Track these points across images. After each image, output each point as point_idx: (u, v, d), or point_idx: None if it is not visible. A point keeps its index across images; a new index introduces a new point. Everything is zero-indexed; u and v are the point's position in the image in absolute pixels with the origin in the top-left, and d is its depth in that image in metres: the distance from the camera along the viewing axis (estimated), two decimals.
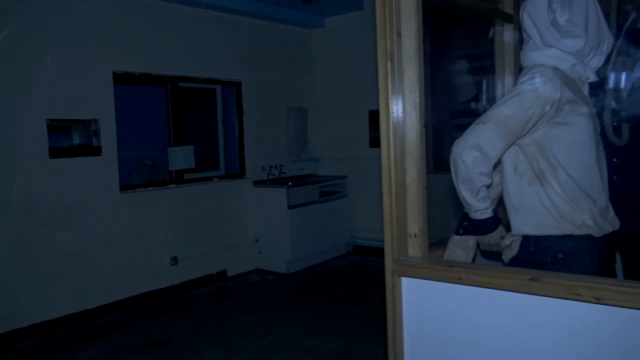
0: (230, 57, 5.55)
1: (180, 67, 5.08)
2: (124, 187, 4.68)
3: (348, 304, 4.55)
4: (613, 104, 2.45)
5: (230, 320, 4.28)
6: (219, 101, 5.77)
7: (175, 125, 5.13)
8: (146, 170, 5.56)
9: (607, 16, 1.99)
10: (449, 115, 4.97)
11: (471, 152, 1.67)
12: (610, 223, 1.76)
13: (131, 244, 4.69)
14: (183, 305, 4.71)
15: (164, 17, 4.94)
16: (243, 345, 3.77)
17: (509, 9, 2.41)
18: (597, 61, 1.73)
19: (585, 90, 1.76)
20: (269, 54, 5.97)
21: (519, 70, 2.06)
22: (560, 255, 1.70)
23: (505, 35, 2.50)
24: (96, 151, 4.42)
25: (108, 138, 4.49)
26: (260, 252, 5.77)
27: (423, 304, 1.79)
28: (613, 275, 2.89)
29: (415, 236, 1.84)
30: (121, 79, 4.65)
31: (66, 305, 4.25)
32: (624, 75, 2.67)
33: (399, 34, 1.76)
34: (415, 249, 1.84)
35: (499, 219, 1.83)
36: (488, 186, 1.76)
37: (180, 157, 5.11)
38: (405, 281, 1.82)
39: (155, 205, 4.89)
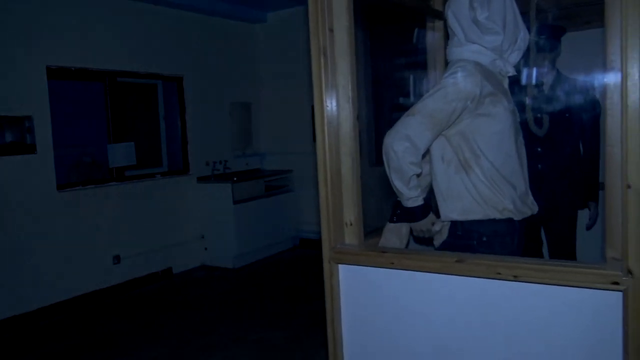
0: (172, 52, 5.47)
1: (118, 62, 4.97)
2: (61, 186, 4.53)
3: (294, 297, 4.62)
4: (534, 98, 2.61)
5: (177, 317, 4.25)
6: (161, 96, 5.68)
7: (115, 122, 5.02)
8: (85, 168, 5.41)
9: (526, 14, 2.13)
10: (389, 109, 5.11)
11: (401, 143, 1.76)
12: (530, 207, 1.89)
13: (71, 244, 4.56)
14: (127, 305, 4.64)
15: (100, 10, 4.81)
16: (191, 341, 3.76)
17: (438, 6, 2.53)
18: (515, 56, 1.86)
19: (505, 83, 1.88)
20: (212, 48, 5.92)
21: (446, 64, 2.16)
22: (484, 239, 1.82)
23: (436, 31, 2.62)
24: (30, 149, 4.27)
25: (43, 135, 4.34)
26: (206, 249, 5.74)
27: (359, 290, 1.87)
28: (538, 254, 3.09)
29: (351, 225, 1.92)
30: (56, 74, 4.50)
31: (3, 309, 4.09)
32: (544, 70, 2.85)
33: (331, 30, 1.82)
34: (351, 237, 1.92)
35: (430, 206, 1.93)
36: (418, 175, 1.85)
37: (121, 153, 5.00)
38: (342, 268, 1.89)
39: (96, 203, 4.77)
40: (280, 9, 6.21)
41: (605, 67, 1.38)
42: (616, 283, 1.39)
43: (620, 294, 1.40)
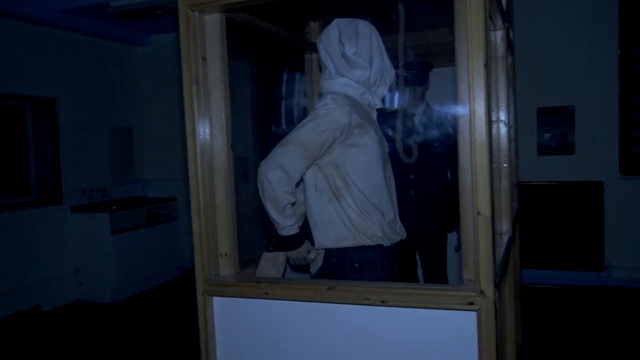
0: (43, 73, 5.10)
1: None
2: None
3: (175, 330, 4.42)
4: (405, 129, 2.77)
5: None
6: (29, 120, 5.25)
7: None
8: None
9: (395, 51, 2.26)
10: (273, 137, 5.16)
11: (275, 173, 1.77)
12: (398, 233, 1.98)
13: None
14: None
15: None
16: None
17: (315, 38, 2.61)
18: (382, 90, 1.96)
19: (374, 115, 1.97)
20: (90, 70, 5.61)
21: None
22: (356, 265, 1.87)
23: (314, 62, 2.70)
24: None
25: None
26: (81, 283, 5.33)
27: (234, 322, 1.83)
28: (414, 276, 3.25)
29: (226, 255, 1.88)
30: None
31: None
32: (414, 103, 3.04)
33: (204, 58, 1.80)
34: (226, 268, 1.88)
35: (305, 234, 1.95)
36: (293, 204, 1.87)
37: None
38: (216, 301, 1.84)
39: None
40: (164, 32, 6.07)
41: (456, 103, 1.50)
42: (471, 303, 1.49)
43: (475, 313, 1.49)
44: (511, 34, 2.80)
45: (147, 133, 6.33)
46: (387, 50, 2.05)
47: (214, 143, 1.84)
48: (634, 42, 4.53)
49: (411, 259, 3.23)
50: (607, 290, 4.59)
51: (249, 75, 5.35)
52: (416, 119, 2.99)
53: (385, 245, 1.89)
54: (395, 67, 2.05)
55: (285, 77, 4.43)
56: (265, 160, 1.80)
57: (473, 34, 1.41)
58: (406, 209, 3.02)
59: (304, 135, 1.77)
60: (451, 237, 3.29)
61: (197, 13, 1.75)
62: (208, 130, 1.83)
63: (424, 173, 2.99)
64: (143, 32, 6.07)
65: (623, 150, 4.55)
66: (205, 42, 1.80)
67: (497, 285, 1.62)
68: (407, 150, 2.66)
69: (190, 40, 1.76)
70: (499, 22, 2.18)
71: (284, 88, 4.46)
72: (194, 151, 1.81)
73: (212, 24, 1.78)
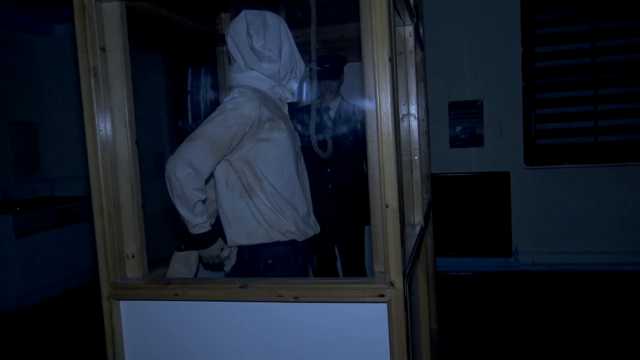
0: None
1: None
2: None
3: (86, 337, 4.19)
4: (319, 123, 2.77)
5: None
6: None
7: None
8: None
9: (307, 45, 2.24)
10: (189, 131, 5.03)
11: (184, 169, 1.70)
12: (312, 228, 1.98)
13: None
14: None
15: None
16: None
17: (225, 30, 2.54)
18: (293, 84, 1.94)
19: (285, 109, 1.95)
20: None
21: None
22: (270, 261, 1.85)
23: (225, 55, 2.63)
24: None
25: None
26: None
27: (144, 327, 1.75)
28: (333, 270, 3.28)
29: (133, 257, 1.79)
30: None
31: None
32: (328, 97, 3.05)
33: (103, 49, 1.70)
34: (133, 270, 1.79)
35: (218, 231, 1.90)
36: (204, 201, 1.81)
37: None
38: (123, 305, 1.75)
39: None
40: (69, 21, 5.71)
41: (365, 97, 1.51)
42: (382, 295, 1.51)
43: (385, 305, 1.52)
44: (421, 30, 2.87)
45: (54, 128, 5.94)
46: (300, 44, 2.03)
47: (117, 139, 1.74)
48: (535, 40, 4.82)
49: (330, 252, 3.25)
50: (514, 274, 4.87)
51: (163, 68, 5.16)
52: (331, 113, 3.00)
53: (299, 240, 1.88)
54: (308, 61, 2.04)
55: (199, 70, 4.31)
56: (172, 156, 1.73)
57: (377, 28, 1.41)
58: (323, 202, 3.05)
59: (212, 130, 1.72)
60: (368, 230, 3.34)
61: (93, 0, 1.64)
62: (109, 125, 1.72)
63: (340, 167, 3.01)
64: (45, 21, 5.68)
65: (527, 143, 4.84)
66: (104, 32, 1.70)
67: (408, 276, 1.66)
68: (322, 144, 2.66)
69: (87, 29, 1.64)
70: (407, 18, 2.22)
71: (198, 81, 4.34)
72: (94, 147, 1.70)
73: (111, 13, 1.68)
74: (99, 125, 1.70)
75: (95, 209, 1.72)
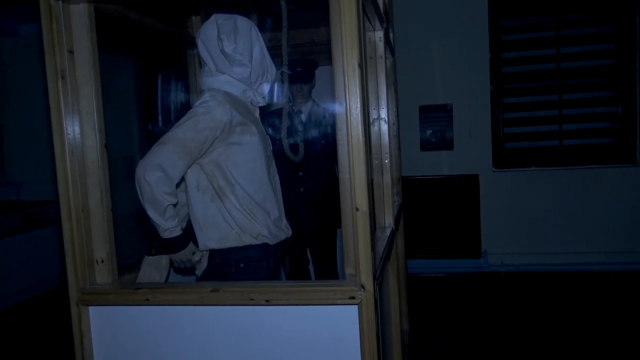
0: None
1: None
2: None
3: (54, 345, 4.11)
4: (291, 126, 2.79)
5: None
6: None
7: None
8: None
9: (278, 49, 2.25)
10: (160, 135, 4.98)
11: (154, 173, 1.69)
12: (284, 231, 1.98)
13: None
14: None
15: None
16: None
17: (196, 33, 2.53)
18: (264, 88, 1.94)
19: (256, 113, 1.95)
20: None
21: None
22: (241, 265, 1.85)
23: (196, 58, 2.62)
24: None
25: None
26: None
27: (114, 333, 1.73)
28: (306, 273, 3.29)
29: (102, 262, 1.77)
30: None
31: None
32: (300, 100, 3.06)
33: (70, 51, 1.68)
34: (103, 275, 1.77)
35: (189, 235, 1.89)
36: (175, 205, 1.80)
37: None
38: (92, 310, 1.73)
39: None
40: (35, 22, 5.59)
41: (335, 102, 1.53)
42: (352, 297, 1.53)
43: (356, 307, 1.53)
44: (391, 36, 2.91)
45: (19, 131, 5.80)
46: (271, 48, 2.04)
47: (85, 142, 1.72)
48: (502, 46, 4.93)
49: (302, 255, 3.26)
50: (484, 275, 4.96)
51: (133, 71, 5.10)
52: (303, 117, 3.02)
53: (270, 243, 1.88)
54: (280, 64, 2.05)
55: (169, 73, 4.28)
56: (142, 160, 1.72)
57: (347, 33, 1.44)
58: (295, 206, 3.06)
59: (182, 133, 1.71)
60: (340, 233, 3.37)
61: (60, 2, 1.62)
62: (78, 129, 1.70)
63: (313, 170, 3.03)
64: (11, 21, 5.55)
65: (495, 146, 4.94)
66: (72, 34, 1.68)
67: (379, 278, 1.68)
68: (294, 147, 2.67)
69: (54, 31, 1.62)
70: (377, 23, 2.25)
71: (168, 84, 4.30)
72: (62, 151, 1.68)
73: (79, 15, 1.66)
74: (67, 128, 1.68)
75: (64, 213, 1.69)
